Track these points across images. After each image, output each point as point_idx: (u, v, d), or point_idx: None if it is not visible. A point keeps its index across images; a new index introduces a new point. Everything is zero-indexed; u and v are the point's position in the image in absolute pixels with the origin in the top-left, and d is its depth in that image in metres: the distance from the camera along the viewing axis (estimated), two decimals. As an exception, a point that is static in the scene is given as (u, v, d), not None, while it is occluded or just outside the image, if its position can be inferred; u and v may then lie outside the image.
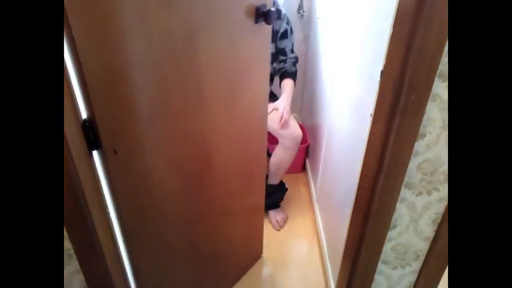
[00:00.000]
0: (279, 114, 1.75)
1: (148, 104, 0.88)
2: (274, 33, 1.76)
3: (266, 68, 1.20)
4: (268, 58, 1.22)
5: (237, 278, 1.65)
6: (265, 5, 1.02)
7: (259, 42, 1.11)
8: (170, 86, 0.90)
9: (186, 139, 1.03)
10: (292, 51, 1.86)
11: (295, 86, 1.91)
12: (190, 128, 1.02)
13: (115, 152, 0.84)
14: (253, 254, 1.73)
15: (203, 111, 1.03)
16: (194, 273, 1.36)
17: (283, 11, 1.76)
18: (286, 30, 1.77)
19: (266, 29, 1.09)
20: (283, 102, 1.79)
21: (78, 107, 0.75)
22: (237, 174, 1.30)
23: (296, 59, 1.89)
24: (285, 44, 1.81)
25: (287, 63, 1.86)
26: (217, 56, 0.98)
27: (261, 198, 1.54)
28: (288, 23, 1.77)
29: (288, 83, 1.88)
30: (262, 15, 1.03)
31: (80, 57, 0.69)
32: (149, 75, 0.85)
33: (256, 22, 1.03)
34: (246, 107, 1.19)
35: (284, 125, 1.74)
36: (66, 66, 0.69)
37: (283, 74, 1.89)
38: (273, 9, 1.05)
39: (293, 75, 1.90)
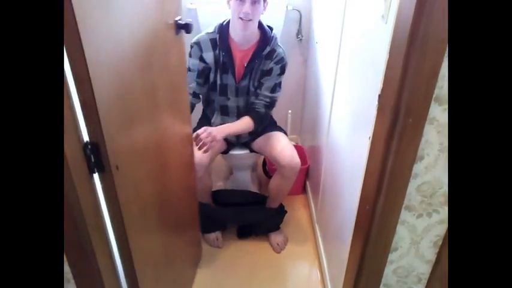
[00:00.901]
0: (203, 137, 1.57)
1: (137, 118, 0.97)
2: (261, 72, 1.70)
3: (185, 72, 1.40)
4: (185, 62, 1.36)
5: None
6: (180, 19, 1.20)
7: (180, 50, 1.29)
8: (143, 96, 1.00)
9: (154, 145, 1.12)
10: (272, 91, 1.73)
11: (252, 128, 1.73)
12: (155, 134, 1.12)
13: (117, 168, 0.85)
14: (195, 240, 1.79)
15: (159, 119, 1.14)
16: (176, 283, 1.50)
17: (278, 52, 1.68)
18: (271, 69, 1.69)
19: (183, 38, 1.28)
20: (216, 128, 1.65)
21: (80, 131, 0.76)
22: (181, 170, 1.42)
23: (271, 100, 1.74)
24: (265, 80, 1.71)
25: (259, 100, 1.74)
26: (161, 67, 1.11)
27: (194, 186, 1.64)
28: (277, 62, 1.68)
29: (243, 120, 1.72)
30: (182, 27, 1.21)
31: (92, 82, 0.72)
32: (136, 90, 0.95)
33: (177, 34, 1.20)
34: (181, 109, 1.35)
35: (200, 146, 1.57)
36: (70, 92, 0.70)
37: (249, 110, 1.75)
38: (187, 22, 1.21)
39: (257, 116, 1.72)
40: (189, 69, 1.72)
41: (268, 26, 1.71)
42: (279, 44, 1.71)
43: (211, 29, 1.69)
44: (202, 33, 1.70)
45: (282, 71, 1.72)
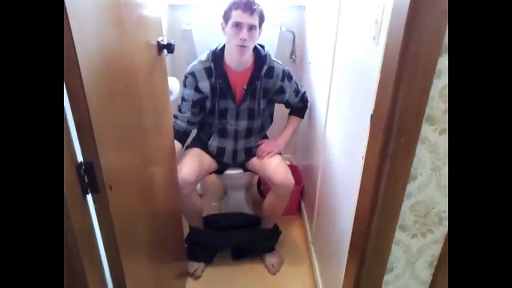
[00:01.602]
0: (266, 149, 1.82)
1: (126, 137, 0.99)
2: (264, 90, 1.72)
3: (166, 92, 1.42)
4: (167, 82, 1.40)
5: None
6: (162, 39, 1.24)
7: (163, 70, 1.32)
8: (131, 115, 1.02)
9: (142, 166, 1.13)
10: (296, 95, 1.83)
11: (301, 120, 1.94)
12: (142, 154, 1.13)
13: (110, 188, 0.85)
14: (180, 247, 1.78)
15: (145, 138, 1.15)
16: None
17: (277, 67, 1.71)
18: (280, 87, 1.74)
19: (164, 58, 1.33)
20: (277, 144, 1.86)
21: (74, 152, 0.76)
22: (166, 192, 1.43)
23: (301, 99, 1.88)
24: (285, 97, 1.79)
25: (293, 105, 1.89)
26: (146, 87, 1.12)
27: (179, 210, 1.69)
28: (283, 79, 1.72)
29: (291, 121, 1.92)
30: (164, 47, 1.24)
31: (88, 101, 0.73)
32: (125, 109, 0.96)
33: (159, 54, 1.23)
34: (164, 129, 1.37)
35: (262, 158, 1.81)
36: (65, 112, 0.71)
37: (290, 111, 1.94)
38: (169, 42, 1.25)
39: (298, 110, 1.92)
40: (184, 99, 1.74)
41: (260, 45, 1.72)
42: (273, 59, 1.73)
43: (204, 57, 1.69)
44: (195, 63, 1.70)
45: (290, 78, 1.77)
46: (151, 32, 1.17)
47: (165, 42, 1.24)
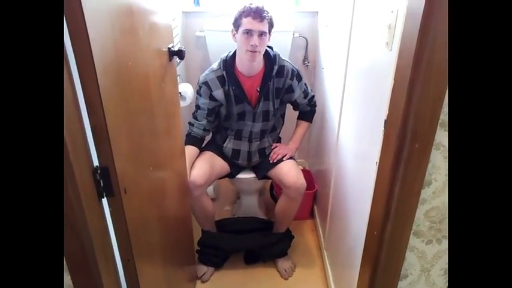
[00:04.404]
0: (280, 151, 1.84)
1: (139, 141, 1.02)
2: (276, 90, 1.74)
3: (177, 97, 1.44)
4: (177, 88, 1.43)
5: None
6: (173, 46, 1.27)
7: (173, 76, 1.36)
8: (144, 120, 1.05)
9: (154, 170, 1.15)
10: (305, 97, 1.84)
11: (309, 125, 1.95)
12: (154, 158, 1.15)
13: (125, 191, 0.87)
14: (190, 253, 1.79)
15: (157, 143, 1.19)
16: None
17: (286, 66, 1.73)
18: (290, 86, 1.75)
19: (175, 64, 1.36)
20: (290, 149, 1.87)
21: (91, 156, 0.77)
22: (177, 196, 1.47)
23: (310, 102, 1.88)
24: (293, 96, 1.80)
25: (300, 108, 1.90)
26: (157, 92, 1.15)
27: (189, 213, 1.71)
28: (292, 77, 1.74)
29: (299, 126, 1.94)
30: (174, 53, 1.27)
31: (104, 107, 0.75)
32: (139, 114, 0.99)
33: (170, 60, 1.26)
34: (175, 133, 1.40)
35: (274, 159, 1.84)
36: (82, 118, 0.72)
37: (298, 116, 1.95)
38: (180, 48, 1.27)
39: (305, 115, 1.93)
40: (199, 108, 1.76)
41: (269, 46, 1.73)
42: (282, 58, 1.74)
43: (215, 66, 1.72)
44: (207, 72, 1.73)
45: (300, 78, 1.79)
46: (162, 38, 1.19)
47: (175, 49, 1.27)
